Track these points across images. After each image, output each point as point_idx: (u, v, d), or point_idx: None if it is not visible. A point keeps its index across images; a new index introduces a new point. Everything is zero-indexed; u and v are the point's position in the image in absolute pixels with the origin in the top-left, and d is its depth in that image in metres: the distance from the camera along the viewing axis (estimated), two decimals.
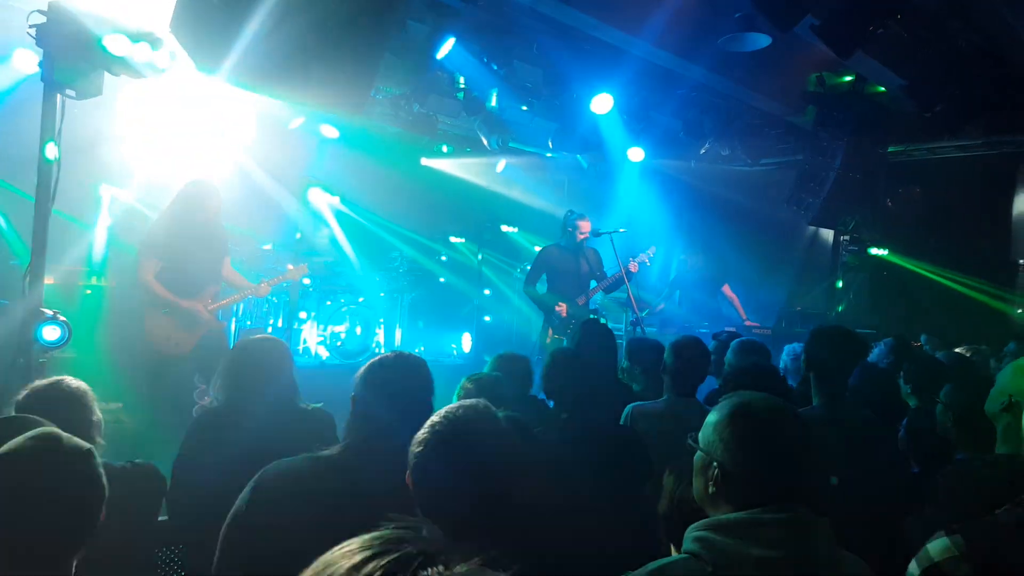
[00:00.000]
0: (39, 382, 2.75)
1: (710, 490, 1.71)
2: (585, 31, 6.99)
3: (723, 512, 1.66)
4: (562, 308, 7.18)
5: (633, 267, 7.17)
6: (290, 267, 6.63)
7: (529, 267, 7.66)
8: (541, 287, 7.46)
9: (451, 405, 1.86)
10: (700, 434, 1.79)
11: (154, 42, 4.28)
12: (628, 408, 3.61)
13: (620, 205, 11.36)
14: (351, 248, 10.00)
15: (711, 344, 5.13)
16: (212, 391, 3.00)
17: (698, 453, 1.78)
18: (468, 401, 1.87)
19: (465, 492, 1.70)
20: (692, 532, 1.63)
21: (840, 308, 10.02)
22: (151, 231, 5.70)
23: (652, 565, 1.61)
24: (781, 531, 1.56)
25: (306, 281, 8.85)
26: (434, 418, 1.81)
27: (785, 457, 1.68)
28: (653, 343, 4.49)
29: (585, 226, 7.37)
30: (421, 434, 1.78)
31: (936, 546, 1.64)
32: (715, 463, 1.70)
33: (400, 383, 2.22)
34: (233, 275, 6.18)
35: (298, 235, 8.58)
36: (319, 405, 3.05)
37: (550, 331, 7.25)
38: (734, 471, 1.67)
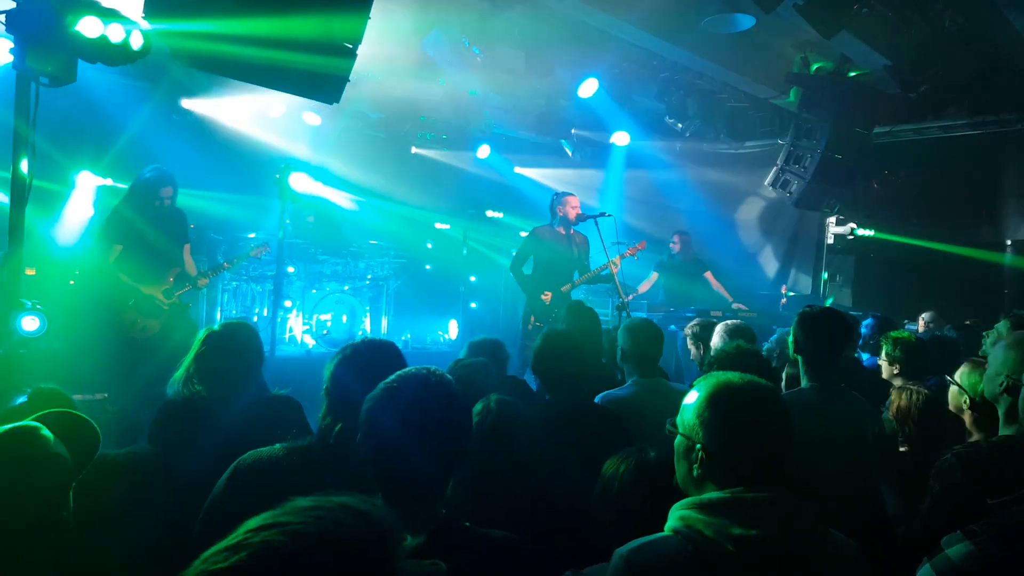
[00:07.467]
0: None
1: (695, 472, 1.67)
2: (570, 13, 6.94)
3: (708, 493, 1.63)
4: (547, 296, 7.02)
5: (618, 261, 6.64)
6: (254, 248, 6.65)
7: (517, 248, 7.35)
8: (527, 269, 7.24)
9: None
10: (679, 418, 1.75)
11: (127, 22, 4.17)
12: (597, 399, 3.53)
13: (606, 190, 11.35)
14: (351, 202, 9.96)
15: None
16: (182, 380, 2.90)
17: (678, 438, 1.74)
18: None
19: (415, 443, 1.68)
20: (676, 511, 1.61)
21: (829, 301, 10.01)
22: (110, 217, 5.74)
23: (636, 542, 1.59)
24: (762, 510, 1.54)
25: (290, 270, 8.78)
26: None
27: (766, 433, 1.65)
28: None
29: (574, 202, 7.04)
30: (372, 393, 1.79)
31: (957, 551, 1.61)
32: (698, 445, 1.67)
33: (372, 369, 2.19)
34: (192, 262, 6.25)
35: (288, 219, 8.47)
36: (286, 391, 3.01)
37: (532, 318, 7.09)
38: (717, 452, 1.64)
